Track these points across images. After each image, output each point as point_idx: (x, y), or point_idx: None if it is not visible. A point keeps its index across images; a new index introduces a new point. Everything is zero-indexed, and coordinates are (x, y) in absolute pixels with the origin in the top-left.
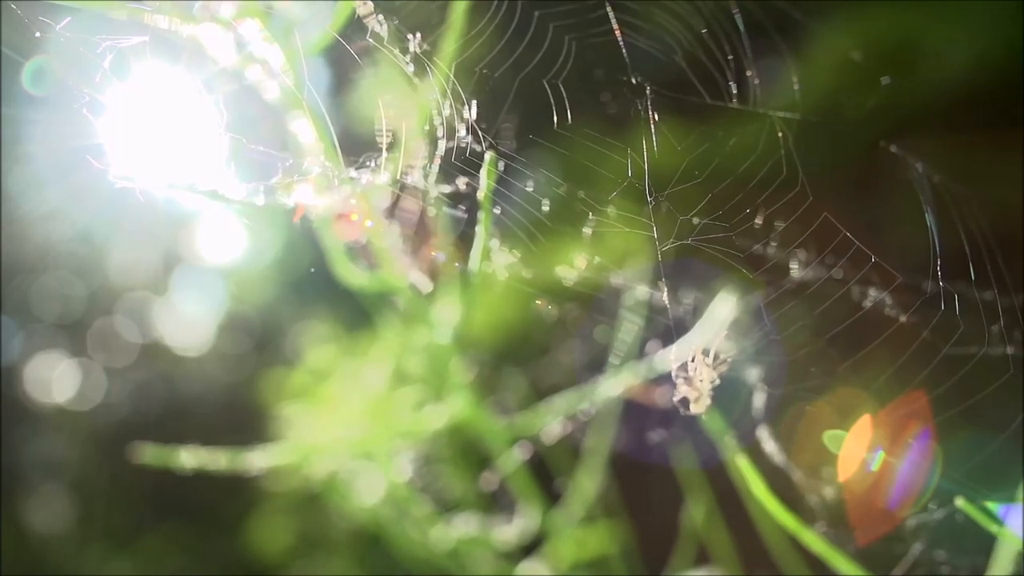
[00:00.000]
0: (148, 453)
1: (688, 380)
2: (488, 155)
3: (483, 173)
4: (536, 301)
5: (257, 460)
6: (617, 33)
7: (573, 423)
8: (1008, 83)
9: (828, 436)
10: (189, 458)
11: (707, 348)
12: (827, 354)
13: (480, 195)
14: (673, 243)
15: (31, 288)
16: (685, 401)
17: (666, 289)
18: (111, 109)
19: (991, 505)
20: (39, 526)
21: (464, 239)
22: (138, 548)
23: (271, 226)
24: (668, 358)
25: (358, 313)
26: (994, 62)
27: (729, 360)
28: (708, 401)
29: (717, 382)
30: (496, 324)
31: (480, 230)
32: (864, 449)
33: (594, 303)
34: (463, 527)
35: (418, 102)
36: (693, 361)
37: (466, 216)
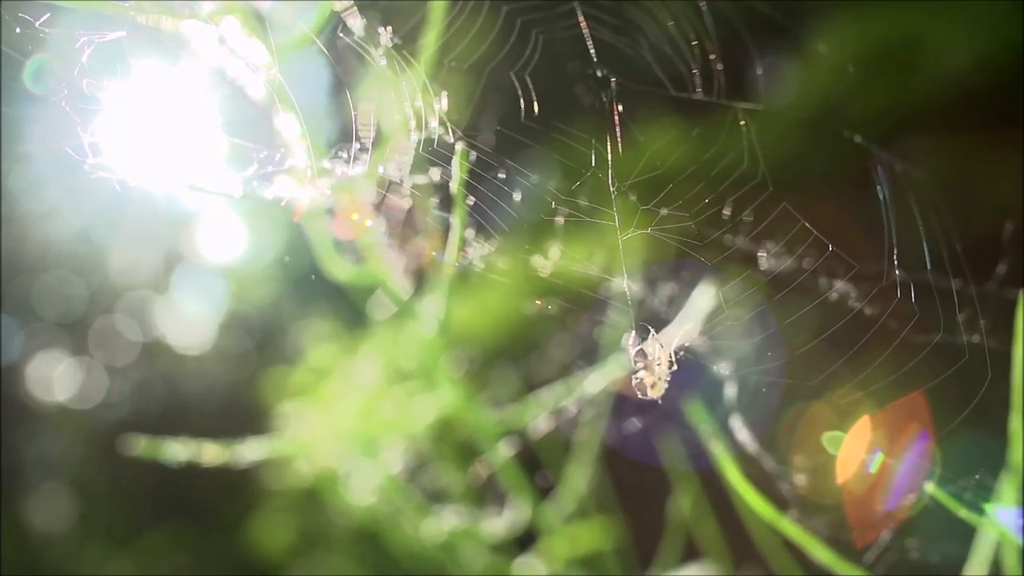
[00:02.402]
0: (142, 446)
1: (647, 365)
2: (459, 146)
3: (455, 164)
4: (536, 301)
5: (253, 453)
6: (583, 27)
7: (564, 417)
8: (1007, 83)
9: (827, 438)
10: (185, 452)
11: (666, 334)
12: (787, 338)
13: (454, 186)
14: (634, 232)
15: (32, 287)
16: (643, 386)
17: (627, 281)
18: (94, 102)
19: (986, 506)
20: (39, 524)
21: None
22: (138, 547)
23: (271, 225)
24: (627, 344)
25: (358, 311)
26: (993, 62)
27: (688, 346)
28: (665, 386)
29: (675, 368)
30: (488, 320)
31: (455, 221)
32: (862, 451)
33: (585, 298)
34: (458, 521)
35: (393, 96)
36: (652, 346)
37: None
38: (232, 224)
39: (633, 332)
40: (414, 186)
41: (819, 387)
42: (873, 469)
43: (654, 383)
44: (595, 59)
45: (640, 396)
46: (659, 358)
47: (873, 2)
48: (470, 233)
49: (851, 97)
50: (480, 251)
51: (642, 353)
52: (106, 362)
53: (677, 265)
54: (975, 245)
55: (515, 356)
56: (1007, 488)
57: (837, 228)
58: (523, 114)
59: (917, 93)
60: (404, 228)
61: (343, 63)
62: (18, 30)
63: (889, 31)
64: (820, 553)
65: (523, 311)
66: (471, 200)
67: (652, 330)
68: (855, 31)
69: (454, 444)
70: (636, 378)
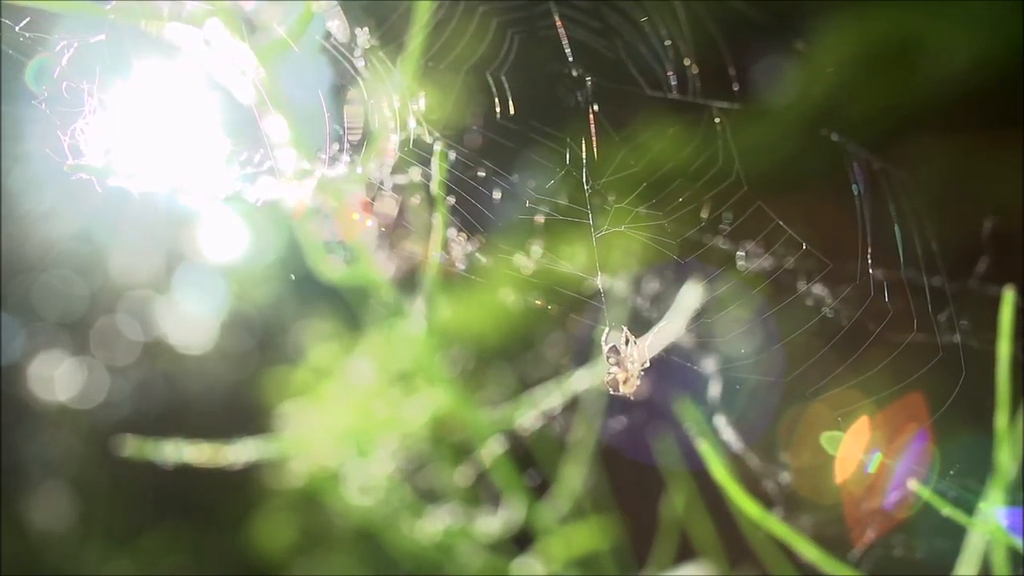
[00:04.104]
0: (141, 447)
1: (619, 362)
2: (437, 146)
3: (434, 164)
4: (536, 300)
5: (254, 453)
6: (559, 27)
7: (559, 417)
8: (1008, 83)
9: (824, 438)
10: (186, 452)
11: (642, 332)
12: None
13: (433, 187)
14: (607, 230)
15: (33, 286)
16: (615, 383)
17: (604, 279)
18: (75, 104)
19: (977, 505)
20: (40, 524)
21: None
22: (139, 546)
23: (273, 225)
24: (601, 340)
25: (359, 311)
26: (994, 62)
27: (675, 345)
28: (637, 382)
29: (647, 365)
30: (486, 319)
31: (437, 221)
32: (860, 451)
33: (573, 296)
34: (455, 521)
35: (377, 96)
36: (626, 343)
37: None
38: (233, 224)
39: (607, 329)
40: (401, 186)
41: (812, 387)
42: (871, 469)
43: (626, 379)
44: (571, 59)
45: (612, 392)
46: (631, 355)
47: (873, 2)
48: (452, 233)
49: (850, 97)
50: (466, 251)
51: (615, 350)
52: (107, 362)
53: (665, 264)
54: (976, 246)
55: (512, 355)
56: (995, 486)
57: (819, 227)
58: (499, 114)
59: (917, 93)
60: (394, 228)
61: (326, 65)
62: None
63: (889, 31)
64: (806, 550)
65: (519, 310)
66: (451, 200)
67: (624, 327)
68: (855, 31)
69: (452, 444)
70: (608, 374)
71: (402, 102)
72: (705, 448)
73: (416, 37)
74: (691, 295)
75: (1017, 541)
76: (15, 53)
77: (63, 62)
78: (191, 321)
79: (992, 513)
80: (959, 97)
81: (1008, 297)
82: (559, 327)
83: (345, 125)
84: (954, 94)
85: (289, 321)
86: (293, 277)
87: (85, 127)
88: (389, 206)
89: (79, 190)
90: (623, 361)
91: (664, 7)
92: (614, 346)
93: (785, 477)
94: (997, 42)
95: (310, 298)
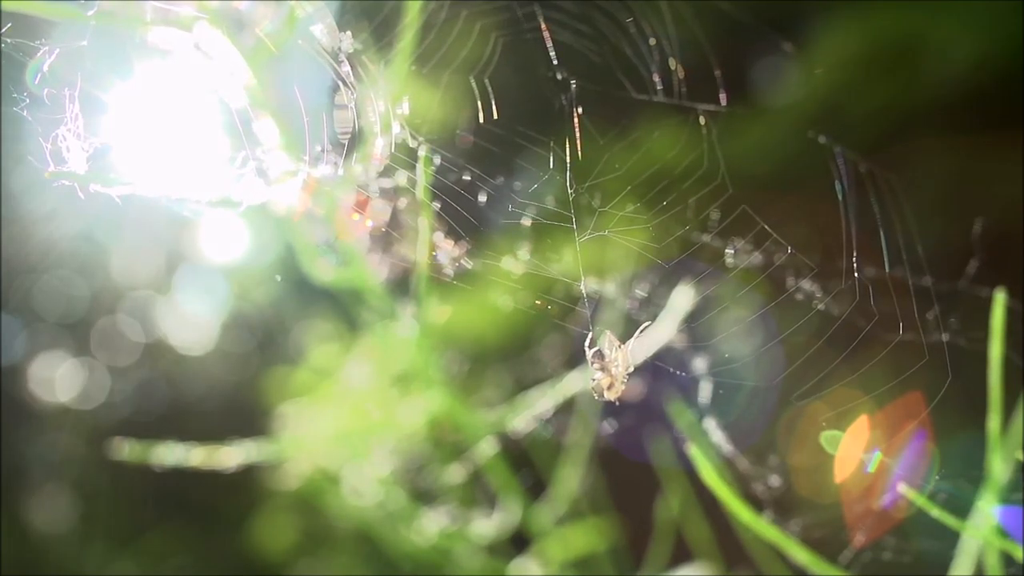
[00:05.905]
0: (140, 450)
1: (603, 367)
2: (422, 150)
3: (419, 168)
4: (536, 301)
5: (255, 454)
6: (543, 30)
7: (554, 418)
8: (1008, 83)
9: (824, 437)
10: (187, 453)
11: (628, 337)
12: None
13: (419, 191)
14: (592, 235)
15: (34, 287)
16: (600, 388)
17: (586, 283)
18: (56, 110)
19: (975, 506)
20: (41, 525)
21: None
22: (140, 547)
23: (273, 226)
24: (586, 345)
25: (359, 312)
26: (994, 62)
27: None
28: (623, 388)
29: (632, 370)
30: (487, 320)
31: (423, 224)
32: (858, 451)
33: (563, 299)
34: (454, 523)
35: (359, 100)
36: (609, 348)
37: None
38: (234, 225)
39: (591, 334)
40: (389, 190)
41: (799, 392)
42: (871, 469)
43: (611, 384)
44: (555, 62)
45: (597, 398)
46: (616, 360)
47: (874, 2)
48: (439, 237)
49: (851, 98)
50: (453, 255)
51: (599, 355)
52: (108, 362)
53: (653, 267)
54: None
55: (509, 357)
56: (988, 488)
57: (817, 228)
58: (483, 118)
59: (917, 94)
60: (386, 232)
61: (312, 68)
62: None
63: (889, 32)
64: (796, 552)
65: (516, 312)
66: (437, 205)
67: (608, 332)
68: (855, 32)
69: (452, 446)
70: (593, 380)
71: (387, 106)
72: (695, 451)
73: (402, 40)
74: (682, 298)
75: (1012, 542)
76: (17, 54)
77: (44, 68)
78: (192, 322)
79: (987, 514)
80: (959, 97)
81: (999, 299)
82: (557, 329)
83: (332, 128)
84: (954, 94)
85: (289, 322)
86: (278, 279)
87: (67, 133)
88: (380, 210)
89: (80, 191)
90: (607, 366)
91: (653, 9)
92: (599, 351)
93: (776, 479)
94: (997, 42)
95: (310, 299)
